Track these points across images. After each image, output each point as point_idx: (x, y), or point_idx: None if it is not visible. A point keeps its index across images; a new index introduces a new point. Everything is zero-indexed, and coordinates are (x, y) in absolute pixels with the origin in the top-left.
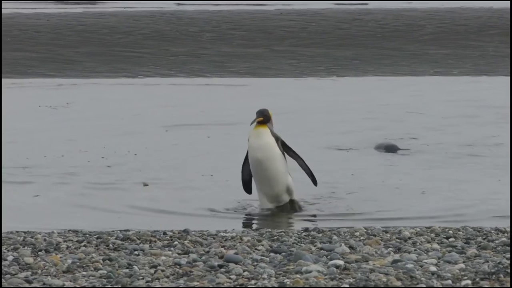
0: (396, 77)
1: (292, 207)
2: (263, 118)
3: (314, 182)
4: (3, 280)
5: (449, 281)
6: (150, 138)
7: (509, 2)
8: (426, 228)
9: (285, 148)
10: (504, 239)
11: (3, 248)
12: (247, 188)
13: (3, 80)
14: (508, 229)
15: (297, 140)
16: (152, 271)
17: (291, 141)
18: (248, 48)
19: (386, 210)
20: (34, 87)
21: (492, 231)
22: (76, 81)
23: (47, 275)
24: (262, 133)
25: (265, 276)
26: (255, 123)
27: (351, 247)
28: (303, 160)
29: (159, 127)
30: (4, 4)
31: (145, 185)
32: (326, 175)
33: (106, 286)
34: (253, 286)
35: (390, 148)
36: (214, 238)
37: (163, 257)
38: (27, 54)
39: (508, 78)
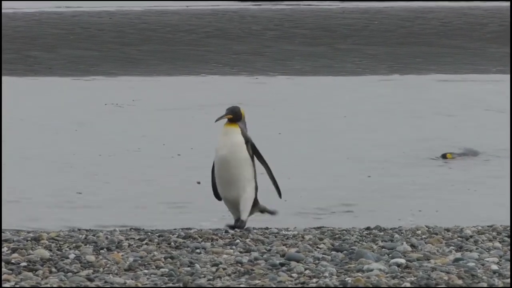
0: (458, 75)
1: (237, 224)
2: (232, 116)
3: (279, 193)
4: (65, 278)
5: None
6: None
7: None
8: (488, 226)
9: (255, 153)
10: None
11: (65, 246)
12: (216, 194)
13: (67, 78)
14: None
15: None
16: (213, 269)
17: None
18: (310, 46)
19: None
20: (97, 85)
21: None
22: (138, 79)
23: (108, 273)
24: (232, 131)
25: (326, 274)
26: (222, 120)
27: (412, 246)
28: (270, 169)
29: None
30: (67, 3)
31: (198, 183)
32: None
33: (167, 285)
34: (315, 285)
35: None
36: (275, 237)
37: (225, 256)
38: (89, 52)
39: None
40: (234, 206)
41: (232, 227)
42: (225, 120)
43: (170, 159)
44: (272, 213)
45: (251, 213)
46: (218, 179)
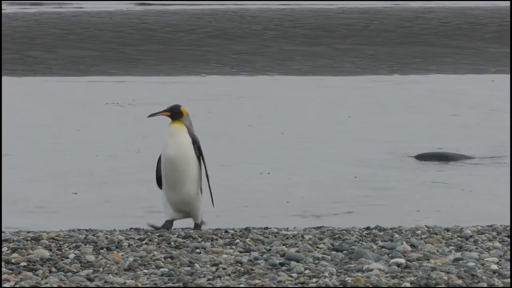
0: (458, 75)
1: (194, 229)
2: (170, 113)
3: (212, 201)
4: (64, 278)
5: None
6: (222, 135)
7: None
8: (488, 226)
9: (200, 154)
10: None
11: (64, 246)
12: (160, 184)
13: (67, 78)
14: None
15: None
16: (213, 269)
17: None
18: (310, 46)
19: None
20: (97, 85)
21: None
22: (138, 79)
23: (108, 273)
24: (178, 130)
25: (326, 274)
26: (158, 114)
27: (412, 246)
28: (207, 174)
29: (229, 124)
30: (68, 3)
31: None
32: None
33: (167, 284)
34: (315, 285)
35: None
36: (275, 236)
37: (225, 255)
38: (89, 52)
39: None
40: (177, 207)
41: (157, 228)
42: (169, 119)
43: None
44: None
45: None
46: (164, 179)
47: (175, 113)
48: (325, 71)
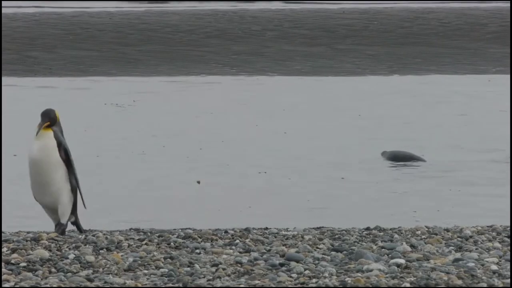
0: (458, 75)
1: (57, 229)
2: (50, 122)
3: (83, 203)
4: (64, 278)
5: None
6: (219, 135)
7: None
8: (488, 226)
9: (67, 157)
10: None
11: (64, 246)
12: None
13: (67, 78)
14: None
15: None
16: (213, 269)
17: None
18: (310, 46)
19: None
20: (98, 85)
21: None
22: (138, 79)
23: (108, 274)
24: (44, 135)
25: (326, 274)
26: (41, 129)
27: (412, 246)
28: (76, 178)
29: (227, 123)
30: (68, 3)
31: (198, 182)
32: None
33: (167, 285)
34: (315, 285)
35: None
36: (275, 237)
37: (224, 256)
38: (89, 52)
39: None
40: (51, 210)
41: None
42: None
43: (174, 160)
44: (80, 230)
45: (70, 218)
46: (32, 183)
47: (52, 121)
48: (325, 71)
